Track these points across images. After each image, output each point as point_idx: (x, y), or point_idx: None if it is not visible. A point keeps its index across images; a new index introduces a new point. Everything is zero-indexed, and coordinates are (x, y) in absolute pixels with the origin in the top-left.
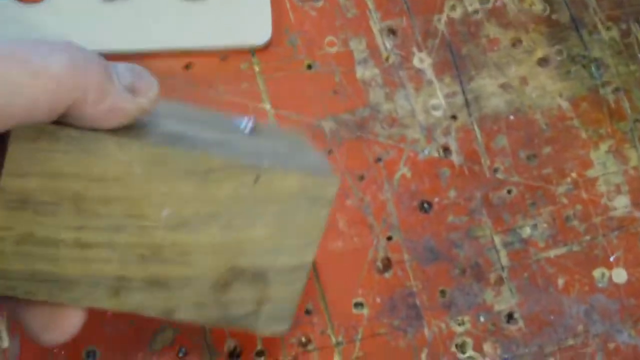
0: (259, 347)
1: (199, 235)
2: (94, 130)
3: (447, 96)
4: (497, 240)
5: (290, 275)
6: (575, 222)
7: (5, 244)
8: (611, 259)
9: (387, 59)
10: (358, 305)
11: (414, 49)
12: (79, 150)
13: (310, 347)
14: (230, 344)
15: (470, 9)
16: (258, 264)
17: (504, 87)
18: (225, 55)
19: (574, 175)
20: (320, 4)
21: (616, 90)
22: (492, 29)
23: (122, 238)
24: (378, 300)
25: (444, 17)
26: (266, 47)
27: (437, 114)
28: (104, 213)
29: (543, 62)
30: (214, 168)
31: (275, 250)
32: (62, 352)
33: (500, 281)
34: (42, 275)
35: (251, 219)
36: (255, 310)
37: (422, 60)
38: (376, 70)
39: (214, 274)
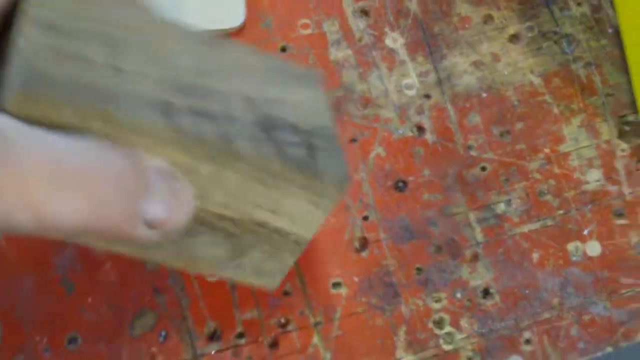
0: (239, 330)
1: (224, 84)
2: None
3: (420, 75)
4: (472, 216)
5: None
6: (549, 197)
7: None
8: (585, 232)
9: (360, 39)
10: (336, 285)
11: (387, 29)
12: None
13: (289, 327)
14: (210, 326)
15: None
16: (290, 120)
17: (476, 64)
18: None
19: (546, 150)
20: None
21: (587, 65)
22: (463, 7)
23: (153, 70)
24: (355, 279)
25: None
26: (240, 30)
27: (411, 93)
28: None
29: (514, 38)
30: None
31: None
32: (45, 340)
33: (475, 257)
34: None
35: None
36: (310, 154)
37: (395, 40)
38: (349, 51)
39: (252, 115)
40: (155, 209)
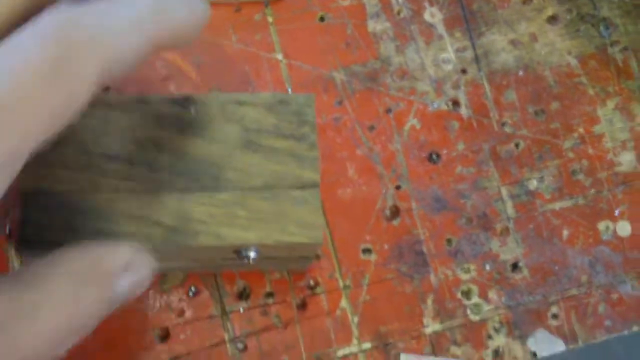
0: (267, 289)
1: None
2: None
3: (457, 50)
4: (504, 191)
5: None
6: (581, 176)
7: None
8: (616, 212)
9: (398, 12)
10: (366, 251)
11: (426, 4)
12: None
13: (318, 289)
14: (239, 285)
15: None
16: None
17: (513, 43)
18: (239, 6)
19: (580, 130)
20: None
21: (624, 49)
22: None
23: None
24: (385, 247)
25: None
26: None
27: (447, 67)
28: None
29: (553, 20)
30: None
31: None
32: None
33: (506, 231)
34: None
35: None
36: None
37: (433, 15)
38: (387, 24)
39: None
40: (122, 290)
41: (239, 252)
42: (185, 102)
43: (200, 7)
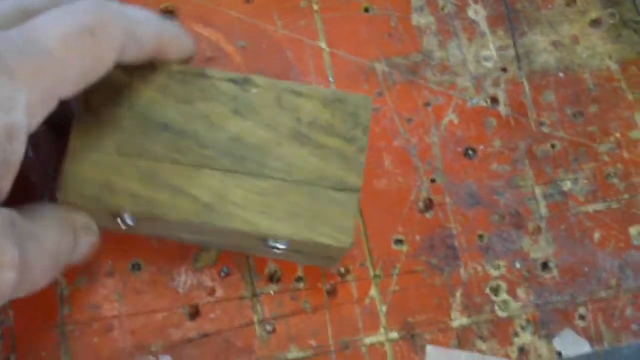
0: (298, 274)
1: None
2: None
3: (499, 49)
4: (538, 191)
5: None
6: (616, 180)
7: None
8: None
9: (443, 8)
10: (398, 242)
11: (470, 1)
12: None
13: (348, 277)
14: (271, 268)
15: None
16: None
17: (555, 44)
18: None
19: (617, 135)
20: None
21: None
22: None
23: None
24: (417, 238)
25: None
26: None
27: (488, 65)
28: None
29: (595, 23)
30: None
31: None
32: (110, 262)
33: (538, 230)
34: None
35: None
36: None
37: (477, 12)
38: (431, 19)
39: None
40: (83, 245)
41: (266, 241)
42: (245, 83)
43: (190, 40)
